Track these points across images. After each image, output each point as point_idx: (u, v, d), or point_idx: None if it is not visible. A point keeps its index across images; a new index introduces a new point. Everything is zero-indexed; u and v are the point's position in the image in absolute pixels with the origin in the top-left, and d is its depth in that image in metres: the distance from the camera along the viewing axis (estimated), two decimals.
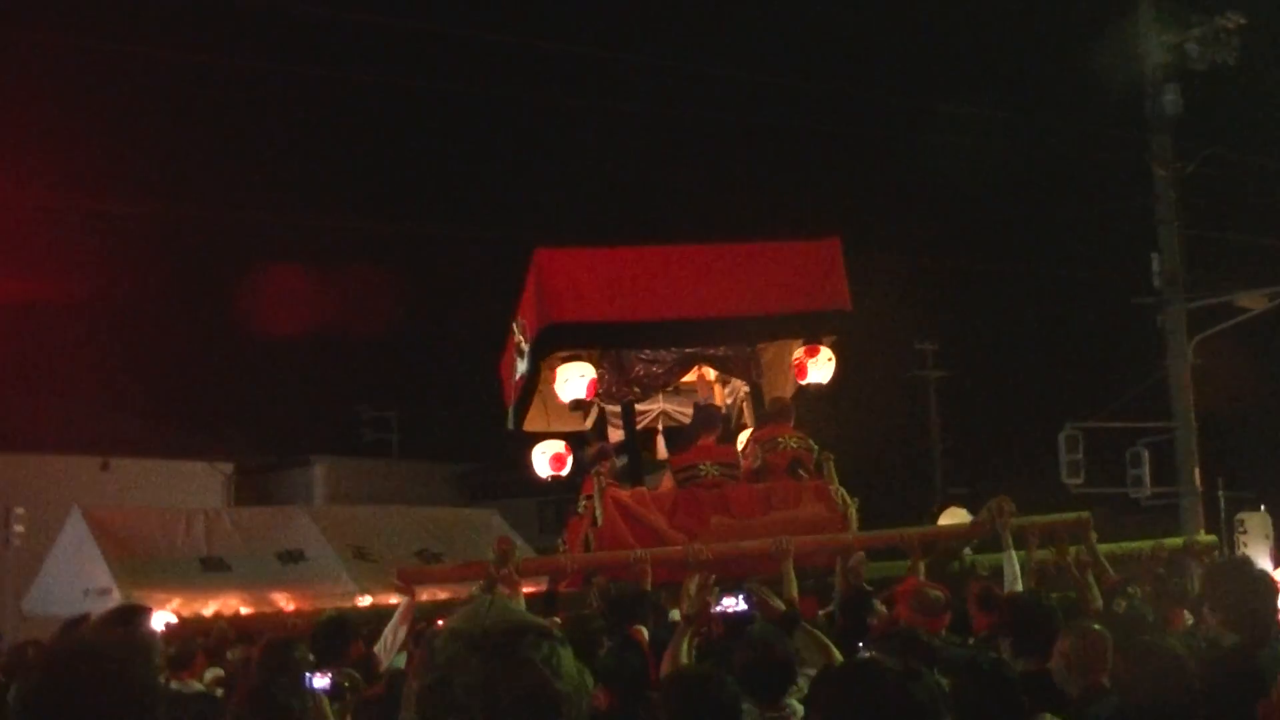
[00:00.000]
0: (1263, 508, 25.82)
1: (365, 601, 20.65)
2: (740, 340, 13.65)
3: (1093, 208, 26.82)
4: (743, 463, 12.90)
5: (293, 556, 21.61)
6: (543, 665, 2.66)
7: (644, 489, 12.81)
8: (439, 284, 62.68)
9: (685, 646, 7.85)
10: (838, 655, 7.84)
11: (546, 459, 14.73)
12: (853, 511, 12.38)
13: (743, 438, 13.97)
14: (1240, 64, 25.19)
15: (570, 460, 14.76)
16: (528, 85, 45.32)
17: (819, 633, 8.10)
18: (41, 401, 35.01)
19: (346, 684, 8.32)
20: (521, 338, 13.70)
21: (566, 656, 2.70)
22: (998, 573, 11.41)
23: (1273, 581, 6.60)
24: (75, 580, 20.33)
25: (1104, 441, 26.13)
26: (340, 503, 36.50)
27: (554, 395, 13.53)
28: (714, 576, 9.42)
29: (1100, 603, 10.20)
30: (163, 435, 37.43)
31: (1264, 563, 24.58)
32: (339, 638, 9.67)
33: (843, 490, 12.59)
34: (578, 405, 13.32)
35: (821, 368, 13.37)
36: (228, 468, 38.11)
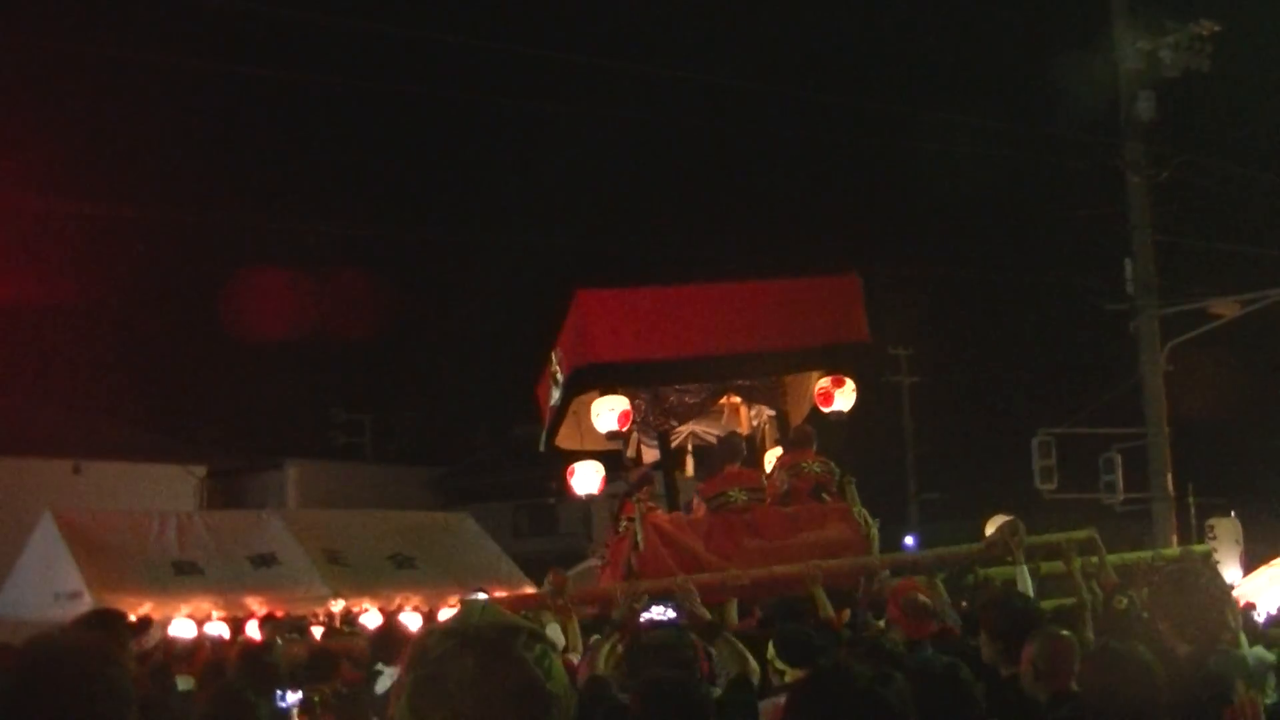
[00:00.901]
0: (1233, 514, 25.92)
1: (338, 606, 20.64)
2: (766, 373, 14.33)
3: (1067, 213, 26.77)
4: (769, 486, 13.48)
5: (265, 560, 21.55)
6: (535, 665, 2.66)
7: (681, 514, 13.41)
8: (413, 288, 62.69)
9: (605, 652, 7.97)
10: (754, 664, 8.01)
11: (599, 479, 15.27)
12: (874, 532, 12.96)
13: (770, 458, 14.60)
14: (1214, 71, 25.29)
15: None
16: (504, 90, 45.37)
17: (738, 642, 8.34)
18: (13, 404, 34.89)
19: (316, 699, 8.36)
20: (558, 368, 14.27)
21: (558, 662, 2.70)
22: (1010, 585, 11.60)
23: (1222, 589, 6.63)
24: (46, 584, 20.26)
25: (1077, 447, 26.23)
26: (313, 506, 36.36)
27: (589, 420, 14.01)
28: (644, 586, 9.80)
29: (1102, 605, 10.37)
30: (135, 438, 37.34)
31: (1233, 568, 24.66)
32: (399, 640, 9.88)
33: (864, 511, 13.10)
34: (614, 436, 13.88)
35: (846, 397, 13.94)
36: (200, 471, 38.00)
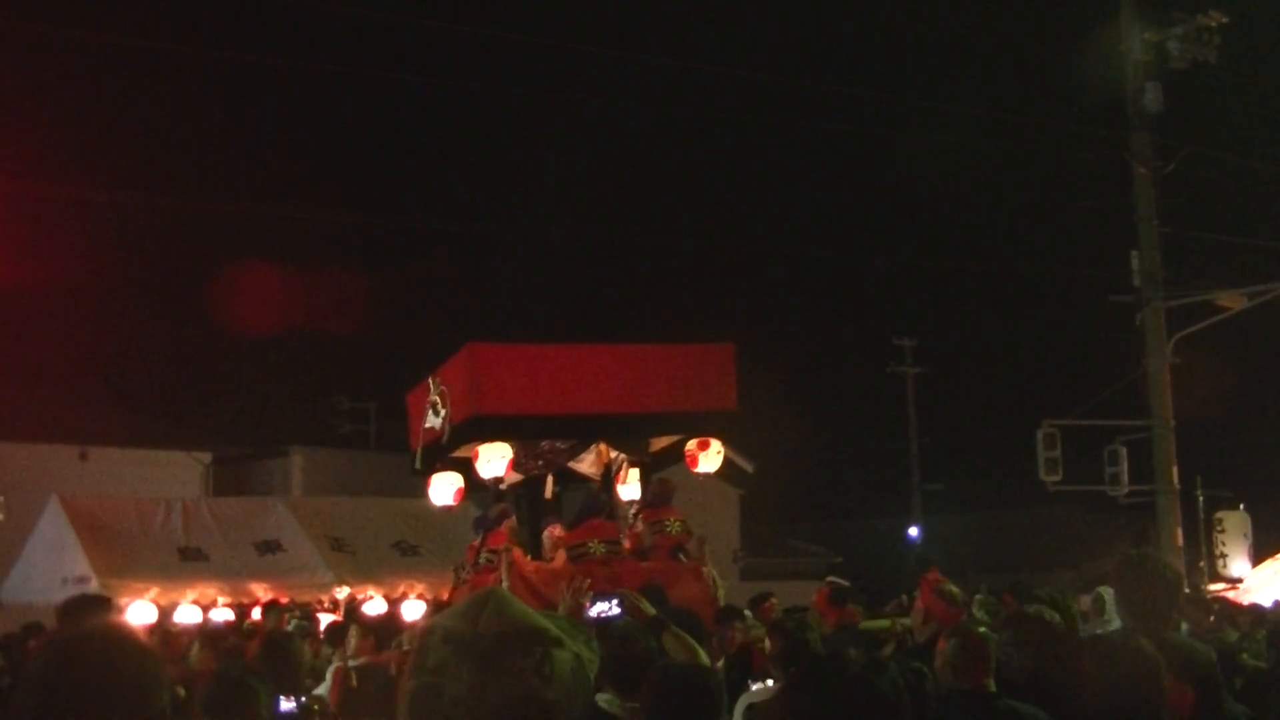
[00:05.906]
0: (1241, 507, 25.91)
1: (342, 593, 20.70)
2: (639, 434, 15.23)
3: (1073, 205, 26.76)
4: (632, 539, 14.46)
5: (270, 547, 21.65)
6: (532, 674, 2.66)
7: (543, 564, 14.03)
8: (417, 277, 62.69)
9: None
10: (704, 656, 8.19)
11: (454, 490, 15.91)
12: (721, 592, 13.78)
13: (625, 490, 15.56)
14: (1221, 62, 25.27)
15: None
16: (508, 81, 45.31)
17: (686, 635, 8.48)
18: (20, 390, 34.89)
19: (316, 707, 8.35)
20: (438, 398, 15.11)
21: (561, 659, 2.68)
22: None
23: (1177, 578, 6.72)
24: (53, 569, 20.34)
25: (1082, 439, 26.18)
26: (317, 494, 36.30)
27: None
28: (589, 582, 10.10)
29: None
30: (141, 425, 37.33)
31: (1241, 561, 24.68)
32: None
33: (714, 572, 14.06)
34: (497, 482, 14.59)
35: (711, 460, 14.89)
36: (206, 458, 38.01)
